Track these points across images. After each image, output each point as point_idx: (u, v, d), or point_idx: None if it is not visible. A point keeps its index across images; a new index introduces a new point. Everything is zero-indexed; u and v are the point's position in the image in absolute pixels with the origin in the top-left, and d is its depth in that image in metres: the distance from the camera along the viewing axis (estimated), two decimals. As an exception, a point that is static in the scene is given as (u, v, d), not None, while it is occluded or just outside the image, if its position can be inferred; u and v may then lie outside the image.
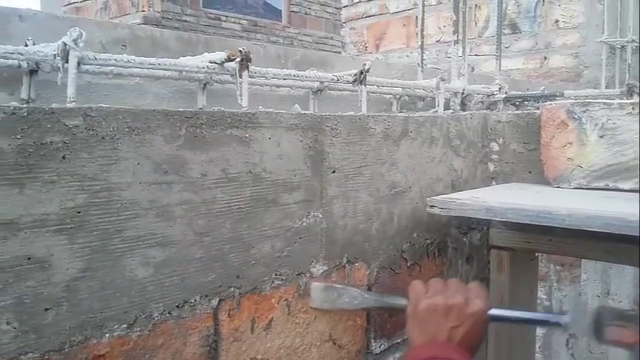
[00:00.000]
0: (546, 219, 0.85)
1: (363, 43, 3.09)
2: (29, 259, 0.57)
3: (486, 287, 1.25)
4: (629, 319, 0.85)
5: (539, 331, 2.14)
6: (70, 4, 5.69)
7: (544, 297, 2.56)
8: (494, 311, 0.86)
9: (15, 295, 0.56)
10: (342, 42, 3.34)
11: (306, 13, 7.62)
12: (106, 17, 5.06)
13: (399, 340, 1.05)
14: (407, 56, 2.90)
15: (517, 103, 1.38)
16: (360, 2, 3.09)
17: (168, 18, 5.78)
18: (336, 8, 7.47)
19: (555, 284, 2.62)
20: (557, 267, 2.62)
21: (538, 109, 1.25)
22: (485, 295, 0.86)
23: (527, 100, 1.38)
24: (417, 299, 0.84)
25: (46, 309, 0.59)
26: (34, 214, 0.57)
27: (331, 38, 7.73)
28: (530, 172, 1.20)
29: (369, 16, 3.08)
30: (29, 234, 0.57)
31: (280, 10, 7.46)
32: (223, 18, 6.67)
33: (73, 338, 0.61)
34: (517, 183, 1.21)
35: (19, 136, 0.55)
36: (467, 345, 0.80)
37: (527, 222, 0.85)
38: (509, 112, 1.28)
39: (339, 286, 0.88)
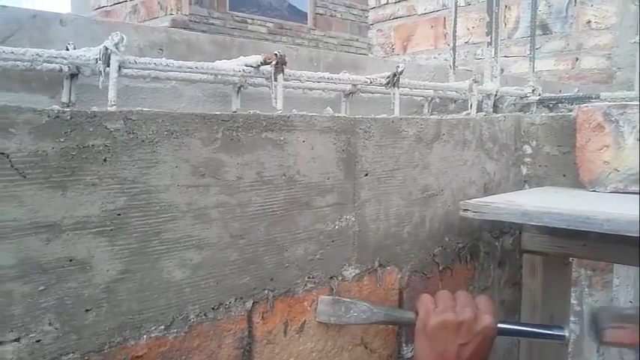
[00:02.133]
0: (584, 224, 0.83)
1: (390, 45, 3.08)
2: (71, 260, 0.58)
3: (519, 292, 1.24)
4: (628, 319, 0.85)
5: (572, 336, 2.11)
6: (100, 7, 5.79)
7: (574, 302, 2.52)
8: (501, 325, 0.86)
9: (57, 296, 0.57)
10: (368, 44, 3.33)
11: (331, 15, 7.63)
12: (135, 20, 5.14)
13: (430, 345, 1.04)
14: (434, 57, 2.88)
15: (551, 105, 1.36)
16: (387, 4, 3.08)
17: (195, 21, 5.84)
18: (362, 10, 7.46)
19: (587, 289, 2.57)
20: (589, 272, 2.57)
21: (572, 111, 1.23)
22: (494, 308, 0.86)
23: (561, 102, 1.35)
24: (426, 315, 0.83)
25: (87, 310, 0.59)
26: (76, 217, 0.58)
27: (356, 40, 7.72)
28: (564, 176, 1.18)
29: (397, 18, 3.06)
30: (71, 236, 0.57)
31: (305, 13, 7.48)
32: (249, 20, 6.71)
33: (112, 339, 0.62)
34: (551, 187, 1.19)
35: (62, 139, 0.56)
36: None
37: (564, 227, 0.84)
38: (543, 114, 1.26)
39: (347, 300, 0.85)
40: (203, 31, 5.74)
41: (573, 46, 2.54)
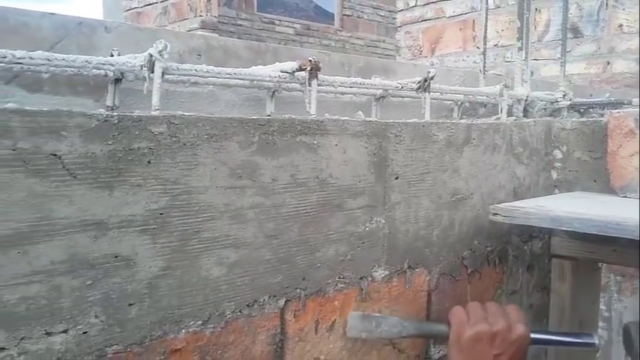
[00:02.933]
0: (615, 230, 0.83)
1: (418, 47, 3.08)
2: (116, 257, 0.61)
3: (547, 296, 1.23)
4: None
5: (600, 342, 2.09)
6: (131, 9, 5.91)
7: (603, 308, 2.48)
8: (533, 335, 0.86)
9: (103, 290, 0.60)
10: (396, 45, 3.33)
11: (358, 17, 7.64)
12: (165, 22, 5.23)
13: (457, 347, 1.05)
14: (463, 60, 2.87)
15: (582, 110, 1.35)
16: (415, 6, 3.08)
17: (224, 22, 5.91)
18: (389, 11, 7.45)
19: (615, 295, 2.54)
20: (618, 277, 2.54)
21: (603, 116, 1.22)
22: (524, 318, 0.85)
23: (592, 108, 1.35)
24: (460, 327, 0.83)
25: (130, 304, 0.62)
26: (122, 215, 0.61)
27: (383, 42, 7.72)
28: (595, 181, 1.18)
29: (425, 20, 3.06)
30: (117, 233, 0.60)
31: (332, 14, 7.50)
32: (277, 22, 6.77)
33: (153, 333, 0.65)
34: (581, 192, 1.19)
35: (110, 142, 0.59)
36: None
37: (595, 232, 0.84)
38: (574, 119, 1.26)
39: (378, 315, 0.86)
40: (231, 32, 5.81)
41: (605, 49, 2.51)
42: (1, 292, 0.54)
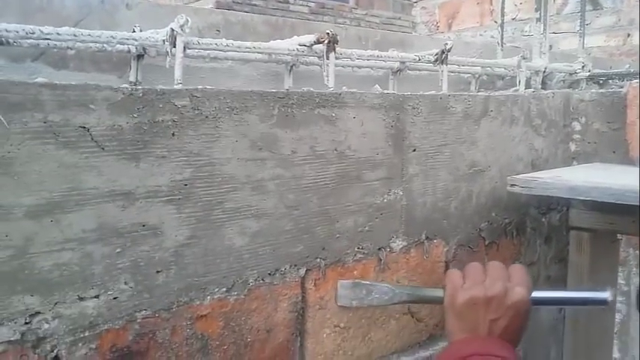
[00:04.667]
0: (633, 198, 0.83)
1: (435, 23, 3.05)
2: (144, 226, 0.63)
3: (565, 268, 1.24)
4: None
5: (617, 316, 2.08)
6: (147, -9, 5.91)
7: (622, 282, 2.48)
8: (536, 294, 0.81)
9: (132, 258, 0.63)
10: (412, 22, 3.31)
11: (374, -6, 7.54)
12: (180, 2, 5.23)
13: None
14: (480, 35, 2.84)
15: (601, 81, 1.34)
16: (432, -19, 3.05)
17: (238, 2, 5.89)
18: (405, -12, 7.34)
19: (635, 269, 2.52)
20: (637, 251, 2.52)
21: (622, 87, 1.21)
22: (528, 279, 0.81)
23: (611, 79, 1.33)
24: (454, 291, 0.80)
25: (158, 271, 0.65)
26: (148, 186, 0.63)
27: (399, 19, 7.62)
28: (614, 152, 1.18)
29: (442, -5, 3.03)
30: (144, 203, 0.63)
31: (347, -9, 7.41)
32: (291, 0, 6.72)
33: (180, 299, 0.67)
34: (600, 163, 1.18)
35: (135, 115, 0.61)
36: (509, 336, 0.77)
37: (613, 201, 0.84)
38: (593, 90, 1.25)
39: (367, 282, 0.85)
40: (246, 12, 5.78)
41: (625, 21, 2.47)
42: (35, 259, 0.56)
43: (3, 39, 0.61)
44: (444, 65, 0.99)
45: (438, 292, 0.84)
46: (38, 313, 0.57)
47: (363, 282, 0.85)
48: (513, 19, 2.73)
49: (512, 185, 0.96)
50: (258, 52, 0.78)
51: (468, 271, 0.83)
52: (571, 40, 2.52)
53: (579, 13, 1.47)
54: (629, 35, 2.46)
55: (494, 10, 2.84)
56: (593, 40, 2.48)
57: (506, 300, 0.77)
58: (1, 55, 0.71)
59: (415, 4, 3.24)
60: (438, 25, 3.09)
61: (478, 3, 2.91)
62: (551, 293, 0.88)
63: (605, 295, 0.80)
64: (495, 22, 2.92)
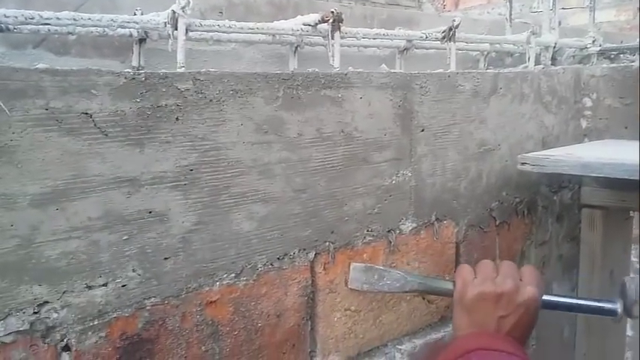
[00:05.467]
0: (647, 174, 0.82)
1: (442, 1, 3.01)
2: (150, 212, 0.62)
3: (577, 247, 1.23)
4: None
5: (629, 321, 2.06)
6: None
7: (635, 260, 2.46)
8: (547, 298, 0.81)
9: (139, 245, 0.62)
10: (418, 0, 3.25)
11: (378, -28, 7.45)
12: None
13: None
14: (488, 12, 2.80)
15: (612, 56, 1.32)
16: (438, -42, 3.00)
17: (242, -15, 5.83)
18: (410, -34, 7.23)
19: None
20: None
21: (634, 62, 1.18)
22: (539, 280, 0.81)
23: (622, 53, 1.31)
24: (464, 286, 0.80)
25: (165, 258, 0.64)
26: (153, 172, 0.62)
27: (405, -2, 7.53)
28: (626, 128, 1.16)
29: (448, -28, 2.98)
30: (149, 190, 0.62)
31: (352, -29, 7.33)
32: (296, -18, 6.64)
33: (189, 285, 0.67)
34: (612, 139, 1.16)
35: (138, 100, 0.60)
36: (517, 334, 0.76)
37: (626, 177, 0.83)
38: (604, 65, 1.22)
39: (381, 267, 0.84)
40: (250, -4, 5.72)
41: (637, -6, 2.41)
42: (42, 248, 0.56)
43: (2, 25, 0.60)
44: (452, 43, 0.97)
45: (448, 285, 0.84)
46: (46, 302, 0.57)
47: (376, 267, 0.84)
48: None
49: (522, 164, 0.94)
50: (262, 33, 0.77)
51: (479, 267, 0.83)
52: (580, 15, 2.47)
53: (589, -13, 1.44)
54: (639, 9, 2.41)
55: (502, -13, 2.79)
56: (603, 15, 2.43)
57: (517, 297, 0.77)
58: (1, 42, 0.70)
59: (421, -18, 3.18)
60: (445, 3, 3.04)
61: (485, -20, 2.86)
62: (562, 298, 0.87)
63: (615, 306, 0.80)
64: (503, -2, 2.87)
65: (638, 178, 0.80)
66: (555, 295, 0.82)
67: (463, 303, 0.79)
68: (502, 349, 0.73)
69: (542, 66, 1.20)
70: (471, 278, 0.81)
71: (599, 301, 0.85)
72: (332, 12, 0.78)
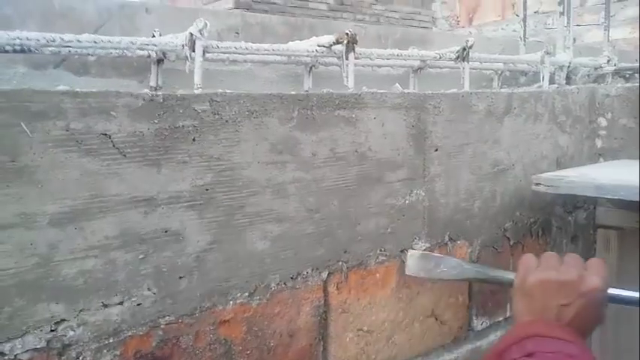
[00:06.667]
0: (663, 197, 0.81)
1: (456, 18, 3.02)
2: (166, 232, 0.63)
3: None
4: None
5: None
6: (166, -9, 5.95)
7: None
8: (613, 291, 0.77)
9: (154, 264, 0.63)
10: (432, 17, 3.27)
11: (392, -11, 7.48)
12: (199, 3, 5.26)
13: (500, 319, 1.05)
14: (502, 29, 2.80)
15: (627, 75, 1.31)
16: (451, -25, 3.01)
17: (257, 1, 5.89)
18: (424, -18, 7.26)
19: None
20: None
21: (650, 81, 1.18)
22: (605, 272, 0.77)
23: (638, 73, 1.30)
24: (526, 272, 0.77)
25: (180, 277, 0.65)
26: (170, 191, 0.63)
27: (419, 13, 7.56)
28: (642, 148, 1.15)
29: (462, -11, 2.99)
30: (166, 209, 0.63)
31: (366, -13, 7.37)
32: (310, -2, 6.69)
33: (203, 304, 0.67)
34: (627, 160, 1.16)
35: (156, 121, 0.61)
36: (578, 325, 0.73)
37: (642, 200, 0.82)
38: (619, 85, 1.22)
39: (438, 254, 0.86)
40: (265, 11, 5.78)
41: (652, 11, 2.41)
42: (60, 267, 0.57)
43: (25, 47, 0.61)
44: (466, 63, 0.97)
45: (508, 275, 0.82)
46: (63, 320, 0.57)
47: (433, 254, 0.86)
48: (536, 12, 2.68)
49: (536, 184, 0.94)
50: (277, 54, 0.78)
51: (543, 257, 0.80)
52: (595, 32, 2.47)
53: (604, 5, 1.44)
54: (655, 26, 2.40)
55: (516, 3, 2.80)
56: (619, 32, 2.43)
57: (580, 287, 0.74)
58: (23, 63, 0.71)
59: (434, -1, 3.20)
60: (459, 19, 3.05)
61: (499, -4, 2.87)
62: (629, 292, 0.82)
63: None
64: (517, 15, 2.87)
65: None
66: (622, 288, 0.80)
67: (524, 289, 0.77)
68: (560, 336, 0.70)
69: (556, 85, 1.20)
70: (534, 266, 0.78)
71: None
72: (346, 34, 0.79)
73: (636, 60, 1.48)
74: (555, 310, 0.74)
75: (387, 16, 7.47)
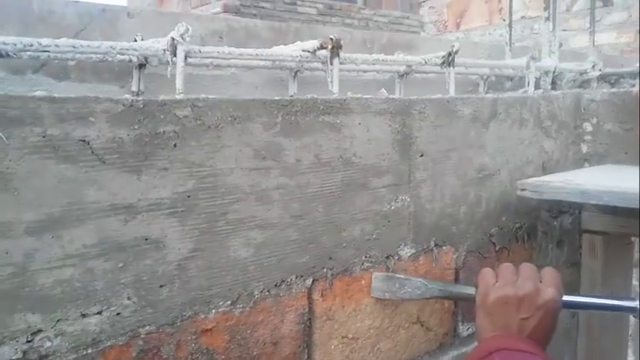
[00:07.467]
0: (647, 202, 0.81)
1: (443, 22, 3.03)
2: (146, 239, 0.62)
3: (577, 272, 1.22)
4: None
5: (631, 318, 2.05)
6: (154, -5, 5.93)
7: (635, 283, 2.44)
8: (567, 298, 0.82)
9: (134, 272, 0.62)
10: (420, 21, 3.28)
11: (381, -7, 7.52)
12: (188, 7, 5.24)
13: (486, 324, 1.05)
14: (489, 34, 2.82)
15: (612, 80, 1.32)
16: (439, -20, 3.03)
17: (246, 5, 5.89)
18: (412, -13, 7.31)
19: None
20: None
21: (634, 86, 1.19)
22: (559, 281, 0.82)
23: (623, 78, 1.31)
24: (486, 290, 0.81)
25: (161, 286, 0.64)
26: (150, 199, 0.62)
27: (407, 18, 7.59)
28: (626, 153, 1.15)
29: (449, -6, 3.00)
30: (146, 217, 0.62)
31: (355, -8, 7.40)
32: (299, 2, 6.71)
33: (184, 313, 0.66)
34: (612, 165, 1.16)
35: (136, 127, 0.60)
36: (538, 335, 0.78)
37: (625, 205, 0.82)
38: (604, 90, 1.22)
39: (402, 276, 0.86)
40: (254, 15, 5.79)
41: (636, 17, 2.43)
42: (36, 276, 0.55)
43: (2, 51, 0.60)
44: (451, 68, 0.97)
45: (469, 290, 0.85)
46: (40, 330, 0.56)
47: (397, 275, 0.86)
48: (523, 17, 2.70)
49: (522, 190, 0.94)
50: (262, 59, 0.77)
51: (500, 270, 0.84)
52: (581, 37, 2.49)
53: (589, 10, 1.45)
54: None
55: (503, 8, 2.81)
56: (604, 37, 2.45)
57: (537, 300, 0.78)
58: (1, 68, 0.70)
59: (423, 3, 3.21)
60: (447, 24, 3.06)
61: (486, 1, 2.88)
62: (582, 298, 0.88)
63: (635, 304, 0.81)
64: (504, 20, 2.89)
65: (637, 206, 0.80)
66: (576, 295, 0.83)
67: (486, 307, 0.80)
68: (524, 349, 0.74)
69: (541, 90, 1.20)
70: (492, 282, 0.82)
71: (619, 299, 0.87)
72: (331, 39, 0.78)
73: (622, 65, 1.49)
74: (517, 324, 0.78)
75: (375, 21, 7.51)
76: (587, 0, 2.38)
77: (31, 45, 0.58)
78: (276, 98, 0.71)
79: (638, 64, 1.27)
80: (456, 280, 0.98)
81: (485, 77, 1.19)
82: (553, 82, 1.29)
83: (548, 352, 0.78)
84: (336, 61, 0.80)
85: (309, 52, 0.79)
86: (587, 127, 1.19)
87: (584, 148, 1.20)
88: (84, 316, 0.59)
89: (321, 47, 0.78)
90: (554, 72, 1.24)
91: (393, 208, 0.87)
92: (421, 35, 3.00)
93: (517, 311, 0.78)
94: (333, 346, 0.81)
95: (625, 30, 2.48)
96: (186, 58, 0.67)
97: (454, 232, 0.96)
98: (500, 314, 0.79)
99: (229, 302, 0.69)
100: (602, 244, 1.18)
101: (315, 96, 0.76)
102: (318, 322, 0.79)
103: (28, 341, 0.55)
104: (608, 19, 2.49)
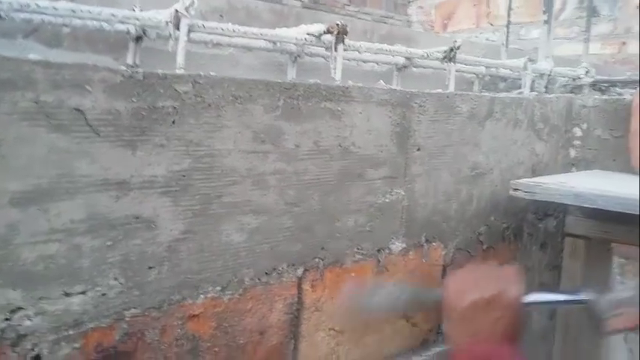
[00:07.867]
0: (640, 208, 0.81)
1: (430, 23, 3.03)
2: (137, 218, 0.59)
3: (559, 275, 1.23)
4: (628, 304, 0.80)
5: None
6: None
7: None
8: (528, 296, 0.80)
9: (123, 252, 0.59)
10: (407, 21, 3.28)
11: (367, -10, 7.51)
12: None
13: (469, 323, 1.04)
14: (476, 37, 2.82)
15: (603, 88, 1.33)
16: (429, -20, 3.02)
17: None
18: (399, -14, 7.31)
19: (618, 277, 2.54)
20: (621, 260, 2.53)
21: (622, 94, 1.19)
22: (520, 279, 0.81)
23: (614, 85, 1.32)
24: (454, 298, 0.80)
25: (150, 267, 0.61)
26: (144, 175, 0.59)
27: (392, 17, 7.60)
28: (614, 160, 1.16)
29: (439, -6, 3.00)
30: (138, 194, 0.59)
31: (341, -14, 7.37)
32: (284, -7, 6.65)
33: (172, 297, 0.63)
34: (600, 171, 1.17)
35: (134, 99, 0.57)
36: (510, 335, 0.78)
37: (620, 210, 0.82)
38: (596, 96, 1.23)
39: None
40: None
41: (621, 29, 2.46)
42: (19, 250, 0.52)
43: (-6, 11, 0.56)
44: (452, 63, 0.96)
45: (436, 292, 0.81)
46: (20, 308, 0.53)
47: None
48: (509, 22, 2.71)
49: (515, 190, 0.94)
50: (265, 40, 0.74)
51: (463, 274, 0.82)
52: (567, 45, 2.51)
53: (576, 19, 1.46)
54: (624, 43, 2.45)
55: (490, 13, 2.82)
56: (590, 47, 2.48)
57: (504, 299, 0.78)
58: (-11, 30, 0.66)
59: (410, 3, 3.21)
60: (434, 25, 3.06)
61: (475, 5, 2.88)
62: (543, 296, 0.86)
63: (582, 296, 0.80)
64: (491, 24, 2.90)
65: (633, 211, 0.80)
66: (535, 292, 0.83)
67: (456, 315, 0.79)
68: (500, 353, 0.75)
69: (536, 93, 1.20)
70: (457, 289, 0.80)
71: (575, 293, 0.85)
72: (337, 24, 0.76)
73: (610, 75, 1.50)
74: (490, 326, 0.78)
75: (359, 18, 7.48)
76: (574, 10, 2.41)
77: (28, 5, 0.55)
78: (279, 81, 0.69)
79: (629, 73, 1.28)
80: (444, 276, 0.97)
81: (480, 76, 1.18)
82: (545, 87, 1.29)
83: (522, 352, 0.78)
84: (340, 47, 0.78)
85: (314, 35, 0.77)
86: (577, 132, 1.20)
87: (573, 153, 1.21)
88: (67, 295, 0.56)
89: (327, 32, 0.76)
90: (549, 75, 1.24)
91: (387, 200, 0.85)
92: (426, 32, 2.99)
93: (488, 313, 0.78)
94: (319, 338, 0.79)
95: (610, 41, 2.50)
96: (189, 32, 0.64)
97: (444, 228, 0.95)
98: (474, 319, 0.78)
99: (219, 288, 0.67)
100: (584, 249, 1.19)
101: (318, 81, 0.74)
102: (307, 313, 0.77)
103: (6, 319, 0.52)
104: (594, 29, 2.51)
